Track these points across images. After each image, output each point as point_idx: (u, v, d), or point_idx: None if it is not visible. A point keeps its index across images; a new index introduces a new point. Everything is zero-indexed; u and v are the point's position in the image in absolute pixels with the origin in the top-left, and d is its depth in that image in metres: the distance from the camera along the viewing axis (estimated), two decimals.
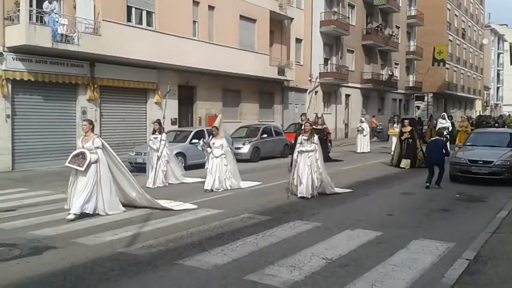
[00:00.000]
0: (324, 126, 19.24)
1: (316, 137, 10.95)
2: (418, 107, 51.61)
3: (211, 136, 12.38)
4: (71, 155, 8.83)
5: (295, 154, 10.93)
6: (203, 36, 22.30)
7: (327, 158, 18.23)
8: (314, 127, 18.98)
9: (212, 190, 11.60)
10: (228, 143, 18.49)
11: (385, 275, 5.55)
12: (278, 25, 28.47)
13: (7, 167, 15.75)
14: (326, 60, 34.22)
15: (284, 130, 24.13)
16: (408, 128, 17.09)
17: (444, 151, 12.33)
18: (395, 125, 21.45)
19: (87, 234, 7.51)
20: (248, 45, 25.01)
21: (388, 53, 43.28)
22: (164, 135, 13.15)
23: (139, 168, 16.12)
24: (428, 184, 12.09)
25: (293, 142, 21.23)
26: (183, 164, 15.96)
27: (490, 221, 8.21)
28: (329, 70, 33.84)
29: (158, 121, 13.56)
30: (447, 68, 51.93)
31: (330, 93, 34.92)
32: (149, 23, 20.06)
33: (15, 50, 15.63)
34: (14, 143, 16.10)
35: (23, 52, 15.77)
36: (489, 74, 79.69)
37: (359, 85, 38.31)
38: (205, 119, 23.41)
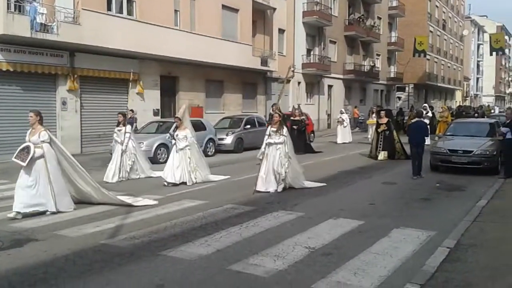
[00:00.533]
0: (302, 117, 19.01)
1: (285, 129, 10.50)
2: (399, 98, 52.19)
3: (174, 127, 11.74)
4: (18, 149, 8.24)
5: (263, 146, 10.42)
6: (184, 26, 22.10)
7: (307, 149, 18.30)
8: (292, 118, 18.80)
9: (172, 184, 11.10)
10: (211, 134, 18.51)
11: (367, 263, 5.62)
12: (261, 15, 28.37)
13: None
14: (308, 51, 34.26)
15: (267, 120, 24.11)
16: (385, 120, 16.58)
17: (424, 131, 12.63)
18: (374, 115, 21.59)
19: (69, 226, 7.43)
20: (230, 35, 24.88)
21: (370, 44, 43.51)
22: (128, 127, 12.59)
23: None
24: (415, 177, 12.16)
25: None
26: (166, 156, 15.89)
27: (470, 210, 8.35)
28: (311, 61, 33.89)
29: (122, 113, 13.02)
30: (428, 59, 52.44)
31: (313, 84, 35.02)
32: (129, 12, 19.79)
33: None
34: None
35: (1, 42, 15.44)
36: (469, 65, 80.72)
37: (341, 76, 38.49)
38: (188, 109, 23.23)
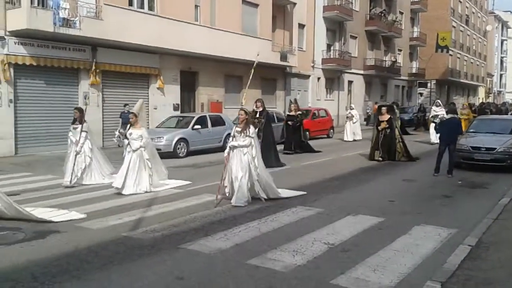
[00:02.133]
0: (298, 113, 17.47)
1: (252, 129, 8.77)
2: (421, 94, 51.50)
3: (129, 126, 10.23)
4: None
5: (226, 149, 8.87)
6: (205, 21, 22.16)
7: (305, 148, 17.12)
8: (288, 113, 17.96)
9: (122, 193, 9.49)
10: (230, 129, 18.41)
11: (387, 260, 5.59)
12: (281, 10, 28.26)
13: (10, 152, 15.82)
14: (329, 46, 34.05)
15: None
16: (386, 117, 14.97)
17: (458, 129, 12.33)
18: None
19: (91, 218, 7.55)
20: (250, 30, 24.86)
21: (392, 39, 42.99)
22: (85, 125, 10.90)
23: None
24: (436, 174, 11.99)
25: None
26: (186, 150, 16.02)
27: (492, 208, 8.22)
28: (331, 56, 33.66)
29: (79, 108, 11.46)
30: (451, 55, 51.62)
31: (333, 80, 34.80)
32: (150, 7, 19.92)
33: (16, 34, 15.57)
34: (17, 127, 16.16)
35: (25, 36, 15.72)
36: (493, 61, 79.19)
37: (362, 72, 38.16)
38: (207, 105, 23.38)
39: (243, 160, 8.58)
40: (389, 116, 15.00)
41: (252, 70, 10.06)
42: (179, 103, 21.99)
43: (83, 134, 10.74)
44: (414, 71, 49.04)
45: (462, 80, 59.00)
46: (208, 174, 12.21)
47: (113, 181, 9.96)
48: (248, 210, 8.15)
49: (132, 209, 8.25)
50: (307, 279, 5.03)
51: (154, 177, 10.03)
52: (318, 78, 32.85)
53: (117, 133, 10.08)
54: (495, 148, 12.58)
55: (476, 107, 34.50)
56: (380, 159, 14.65)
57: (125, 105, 18.29)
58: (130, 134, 9.91)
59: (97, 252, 5.91)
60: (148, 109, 20.57)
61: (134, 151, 9.78)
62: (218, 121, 18.10)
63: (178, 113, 20.89)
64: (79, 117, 10.97)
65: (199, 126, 16.74)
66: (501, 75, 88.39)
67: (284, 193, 9.28)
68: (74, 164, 10.50)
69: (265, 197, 8.76)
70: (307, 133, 22.32)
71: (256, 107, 13.98)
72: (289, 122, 17.24)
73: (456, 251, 5.78)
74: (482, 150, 12.71)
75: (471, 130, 14.59)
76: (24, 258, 5.66)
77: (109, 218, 7.58)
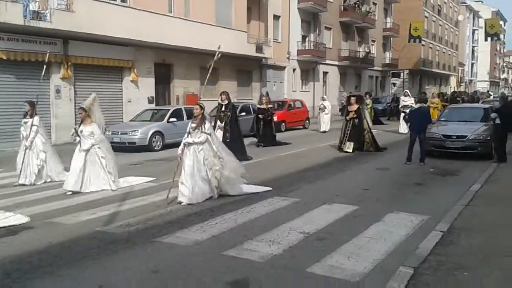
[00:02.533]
0: (269, 106, 17.12)
1: (208, 125, 8.38)
2: (394, 84, 52.19)
3: (80, 122, 9.61)
4: None
5: (180, 146, 8.33)
6: (179, 13, 21.93)
7: (273, 142, 16.78)
8: (258, 106, 17.41)
9: (73, 192, 8.93)
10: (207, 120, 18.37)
11: (361, 247, 5.68)
12: (256, 1, 28.16)
13: None
14: (304, 38, 34.13)
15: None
16: (355, 107, 14.73)
17: (427, 117, 12.62)
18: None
19: (64, 214, 7.45)
20: (225, 22, 24.70)
21: (365, 30, 43.36)
22: (36, 119, 10.19)
23: (116, 148, 15.97)
24: (408, 163, 12.20)
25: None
26: (161, 144, 15.90)
27: (463, 194, 8.42)
28: (307, 48, 33.77)
29: (30, 102, 10.53)
30: (423, 45, 52.35)
31: (308, 71, 34.94)
32: None
33: None
34: None
35: None
36: (464, 51, 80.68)
37: (336, 63, 38.40)
38: (182, 97, 23.21)
39: (198, 157, 8.15)
40: (357, 106, 14.79)
41: (212, 63, 9.21)
42: (154, 96, 21.76)
43: (34, 128, 10.07)
44: (387, 61, 49.59)
45: (434, 70, 59.99)
46: None
47: (64, 179, 9.49)
48: (224, 202, 8.15)
49: (105, 204, 8.15)
50: (283, 268, 5.08)
51: (115, 175, 9.44)
52: (294, 70, 32.93)
53: (73, 129, 9.53)
54: (466, 136, 12.85)
55: (448, 96, 35.18)
56: (349, 150, 14.33)
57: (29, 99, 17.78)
58: (81, 131, 9.24)
59: (70, 247, 5.84)
60: (122, 102, 20.32)
61: (85, 150, 9.16)
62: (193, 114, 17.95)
63: (153, 106, 20.67)
64: (30, 111, 10.28)
65: (174, 119, 16.62)
66: (472, 64, 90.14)
67: (251, 189, 8.85)
68: (23, 160, 9.96)
69: (216, 196, 8.29)
70: (283, 124, 22.49)
71: (221, 100, 13.58)
72: (260, 115, 16.97)
73: (428, 237, 5.91)
74: (453, 138, 12.98)
75: (443, 119, 14.87)
76: None
77: (82, 213, 7.48)
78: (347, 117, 14.86)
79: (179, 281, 4.75)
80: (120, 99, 20.35)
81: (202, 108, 8.50)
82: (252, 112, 20.50)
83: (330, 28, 37.51)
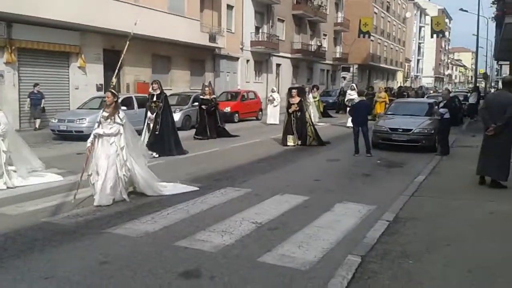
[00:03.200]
0: (213, 96, 16.71)
1: (122, 114, 7.46)
2: (344, 78, 53.27)
3: None
4: None
5: (90, 138, 7.40)
6: None
7: (221, 133, 16.46)
8: (201, 97, 16.75)
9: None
10: None
11: (311, 237, 5.80)
12: None
13: None
14: (257, 29, 34.15)
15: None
16: (297, 99, 14.37)
17: (366, 111, 13.02)
18: (308, 94, 20.12)
19: (8, 204, 7.15)
20: (177, 9, 24.30)
21: (317, 23, 43.94)
22: None
23: (62, 136, 15.49)
24: (357, 155, 12.53)
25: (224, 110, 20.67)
26: None
27: (409, 185, 8.74)
28: (260, 39, 33.83)
29: None
30: (372, 40, 53.67)
31: (262, 63, 35.05)
32: None
33: None
34: None
35: None
36: (411, 47, 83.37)
37: (289, 55, 38.73)
38: (133, 85, 22.69)
39: (110, 150, 7.27)
40: (299, 99, 14.44)
41: (127, 42, 8.53)
42: (103, 83, 21.13)
43: None
44: (338, 55, 50.55)
45: (382, 65, 61.71)
46: None
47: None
48: (176, 193, 8.05)
49: (51, 194, 7.88)
50: (235, 258, 5.10)
51: (21, 170, 8.48)
52: (247, 61, 32.93)
53: None
54: (411, 129, 13.33)
55: (395, 91, 36.30)
56: (292, 144, 14.22)
57: (35, 84, 17.34)
58: None
59: (14, 238, 5.62)
60: (68, 89, 19.62)
61: None
62: (145, 103, 17.57)
63: (101, 93, 20.05)
64: None
65: (124, 108, 16.01)
66: (418, 60, 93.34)
67: (175, 189, 8.11)
68: None
69: (128, 199, 7.40)
70: (237, 115, 22.43)
71: (152, 89, 12.54)
72: (203, 106, 16.53)
73: (375, 227, 6.11)
74: (399, 131, 13.43)
75: (389, 112, 15.35)
76: None
77: (27, 203, 7.20)
78: (289, 110, 14.50)
79: (129, 272, 4.68)
80: (67, 86, 19.63)
81: (115, 95, 7.58)
82: None
83: (283, 21, 37.75)
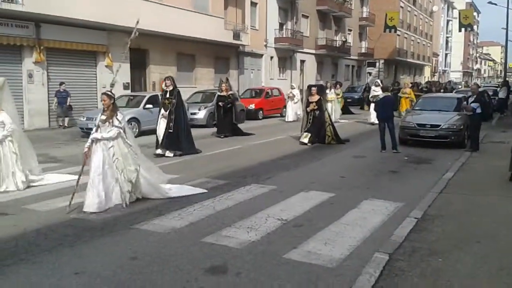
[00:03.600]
0: (230, 93, 16.07)
1: (120, 116, 7.05)
2: (369, 73, 52.69)
3: None
4: None
5: (87, 142, 7.02)
6: None
7: (235, 131, 16.04)
8: (218, 93, 16.16)
9: None
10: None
11: (337, 234, 5.76)
12: None
13: None
14: (281, 25, 34.05)
15: (240, 95, 24.05)
16: (316, 98, 13.94)
17: (392, 106, 12.85)
18: (327, 90, 19.86)
19: (38, 200, 7.33)
20: (202, 8, 24.44)
21: (342, 19, 43.53)
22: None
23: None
24: (383, 151, 12.37)
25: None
26: (137, 130, 15.73)
27: (437, 182, 8.60)
28: (284, 35, 33.72)
29: None
30: (398, 35, 52.89)
31: (285, 59, 34.95)
32: None
33: None
34: None
35: None
36: (438, 41, 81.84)
37: (313, 51, 38.50)
38: (159, 83, 22.90)
39: (110, 155, 6.91)
40: (318, 97, 13.96)
41: (129, 41, 8.20)
42: (130, 82, 21.44)
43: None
44: (363, 50, 50.00)
45: (409, 60, 60.75)
46: None
47: None
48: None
49: (80, 190, 8.00)
50: (261, 254, 5.11)
51: (27, 171, 8.25)
52: (271, 57, 32.89)
53: None
54: (440, 125, 13.09)
55: (423, 86, 35.57)
56: (307, 142, 13.61)
57: (61, 83, 17.67)
58: None
59: (46, 234, 5.76)
60: (96, 88, 19.96)
61: None
62: None
63: (128, 92, 20.38)
64: None
65: (150, 106, 16.43)
66: (446, 55, 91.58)
67: (182, 191, 7.83)
68: None
69: (127, 204, 6.96)
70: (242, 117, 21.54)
71: (165, 85, 12.03)
72: (220, 103, 15.95)
73: (403, 224, 6.03)
74: (427, 127, 13.21)
75: (417, 108, 15.11)
76: None
77: (57, 200, 7.35)
78: (307, 109, 14.08)
79: (157, 268, 4.74)
80: (95, 85, 20.00)
81: (111, 97, 7.09)
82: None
83: (307, 17, 37.53)
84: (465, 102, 13.31)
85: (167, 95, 11.95)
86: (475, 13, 77.13)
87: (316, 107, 13.85)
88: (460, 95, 16.33)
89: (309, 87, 14.71)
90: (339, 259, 4.97)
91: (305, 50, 36.48)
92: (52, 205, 7.10)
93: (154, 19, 20.62)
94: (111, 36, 19.98)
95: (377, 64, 51.29)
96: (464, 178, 9.05)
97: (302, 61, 37.31)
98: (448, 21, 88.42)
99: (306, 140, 13.70)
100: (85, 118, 16.02)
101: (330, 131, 14.00)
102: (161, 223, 6.17)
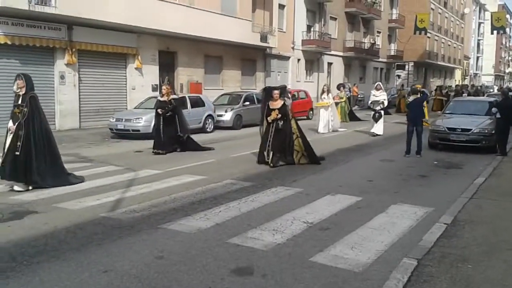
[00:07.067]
0: (172, 97, 12.83)
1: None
2: (399, 76, 51.93)
3: None
4: None
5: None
6: (183, 0, 21.80)
7: (186, 145, 12.81)
8: (159, 98, 13.10)
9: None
10: (210, 110, 18.36)
11: (364, 238, 5.69)
12: None
13: None
14: (309, 27, 33.92)
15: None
16: (279, 103, 10.57)
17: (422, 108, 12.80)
18: (324, 94, 18.37)
19: (69, 199, 7.47)
20: (230, 10, 24.57)
21: (371, 21, 43.07)
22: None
23: (120, 135, 16.04)
24: (407, 155, 12.18)
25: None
26: None
27: (467, 187, 8.42)
28: (311, 38, 33.59)
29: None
30: (428, 37, 52.02)
31: (313, 61, 34.79)
32: None
33: None
34: None
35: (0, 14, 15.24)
36: (470, 44, 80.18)
37: (341, 53, 38.20)
38: (187, 85, 23.17)
39: None
40: (282, 103, 10.64)
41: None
42: (158, 83, 21.71)
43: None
44: (392, 53, 49.32)
45: (439, 62, 59.64)
46: (188, 155, 12.20)
47: None
48: (228, 191, 8.17)
49: (110, 190, 8.18)
50: (287, 257, 5.09)
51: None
52: (298, 60, 32.80)
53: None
54: (471, 129, 12.82)
55: (448, 90, 34.64)
56: (270, 163, 10.45)
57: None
58: None
59: (75, 232, 5.87)
60: (126, 89, 20.31)
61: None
62: (197, 103, 18.01)
63: (156, 93, 20.63)
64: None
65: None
66: (477, 58, 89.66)
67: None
68: None
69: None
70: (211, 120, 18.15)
71: (17, 87, 8.64)
72: (159, 111, 12.59)
73: (432, 229, 5.92)
74: (458, 131, 12.96)
75: (448, 112, 14.83)
76: (2, 238, 5.58)
77: (87, 199, 7.51)
78: (268, 118, 10.63)
79: (183, 267, 4.78)
80: (124, 86, 20.33)
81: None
82: (256, 101, 20.49)
83: (336, 19, 37.27)
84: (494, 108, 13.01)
85: (19, 101, 8.38)
86: (507, 16, 75.25)
87: (279, 115, 10.49)
88: (492, 99, 15.95)
89: (269, 89, 11.17)
90: (366, 263, 4.91)
91: (333, 52, 36.22)
92: (82, 203, 7.24)
93: (183, 22, 20.90)
94: (141, 38, 20.30)
95: (407, 66, 50.51)
96: (495, 183, 8.83)
97: (330, 64, 37.06)
98: (479, 24, 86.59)
99: (270, 161, 10.51)
100: (114, 119, 16.29)
101: (299, 145, 10.85)
102: (187, 223, 6.22)
